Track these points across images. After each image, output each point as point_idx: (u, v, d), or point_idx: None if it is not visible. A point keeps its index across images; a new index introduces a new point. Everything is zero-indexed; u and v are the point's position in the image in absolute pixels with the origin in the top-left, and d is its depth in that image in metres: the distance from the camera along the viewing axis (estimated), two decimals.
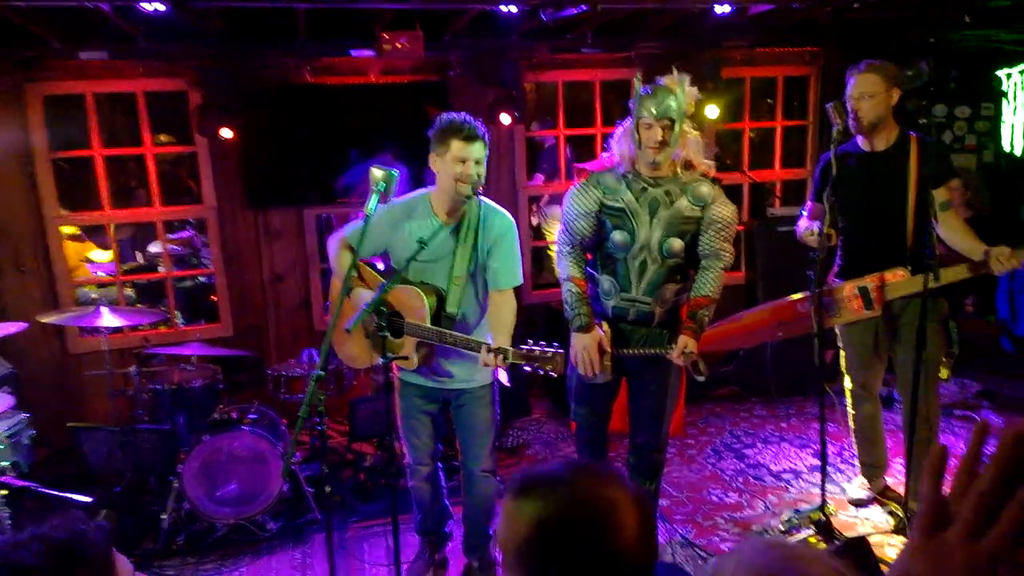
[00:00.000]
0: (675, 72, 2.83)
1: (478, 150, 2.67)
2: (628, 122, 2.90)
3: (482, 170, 2.71)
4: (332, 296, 3.04)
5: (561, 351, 2.40)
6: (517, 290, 2.90)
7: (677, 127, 2.79)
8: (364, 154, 4.62)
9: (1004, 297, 4.47)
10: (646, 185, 2.89)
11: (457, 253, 2.77)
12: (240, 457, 3.59)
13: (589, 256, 3.11)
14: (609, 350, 2.93)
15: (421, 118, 5.09)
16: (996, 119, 5.29)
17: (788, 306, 3.44)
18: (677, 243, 2.89)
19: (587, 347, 2.89)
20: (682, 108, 2.79)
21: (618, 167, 2.93)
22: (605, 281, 3.01)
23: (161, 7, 3.65)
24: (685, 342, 2.87)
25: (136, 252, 6.32)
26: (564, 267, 3.03)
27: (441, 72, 4.87)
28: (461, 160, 2.66)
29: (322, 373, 2.29)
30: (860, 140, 3.28)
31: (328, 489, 2.42)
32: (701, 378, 3.06)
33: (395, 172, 2.48)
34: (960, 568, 0.56)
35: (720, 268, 2.93)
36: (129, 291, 5.76)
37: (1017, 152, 5.18)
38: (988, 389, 4.84)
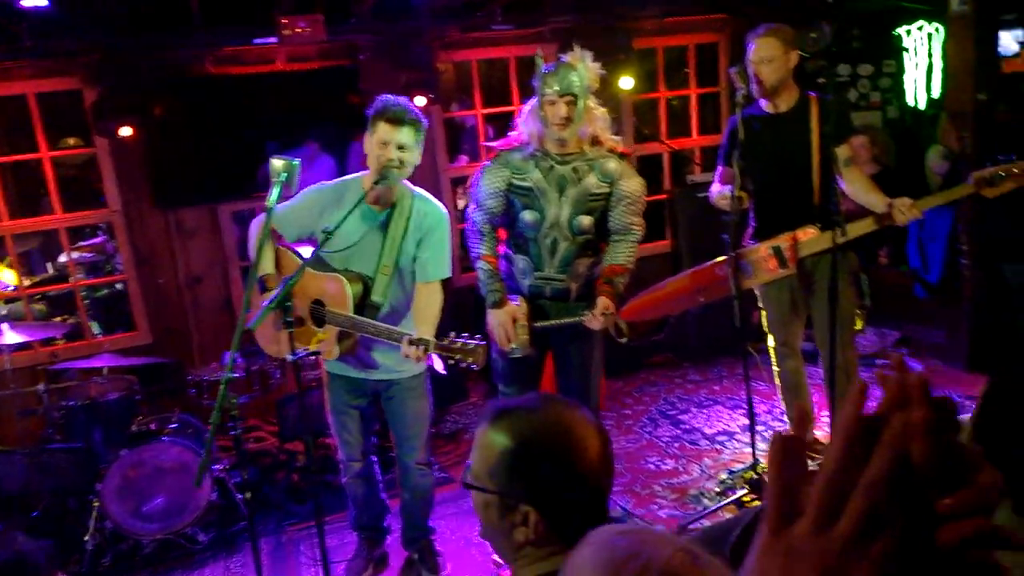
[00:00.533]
0: (576, 48, 2.84)
1: (403, 135, 2.57)
2: (534, 101, 2.90)
3: (407, 156, 2.60)
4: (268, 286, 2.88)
5: (484, 343, 2.37)
6: (447, 295, 2.86)
7: (581, 103, 2.80)
8: (284, 145, 4.47)
9: (914, 247, 4.62)
10: (553, 163, 2.90)
11: (386, 242, 2.69)
12: (163, 469, 3.46)
13: (503, 235, 3.11)
14: (525, 323, 2.96)
15: (337, 106, 5.01)
16: (898, 76, 5.45)
17: (706, 271, 3.48)
18: (587, 220, 2.92)
19: (501, 322, 2.94)
20: (584, 84, 2.81)
21: (527, 146, 2.93)
22: (520, 260, 3.03)
23: (42, 1, 3.44)
24: (604, 303, 2.90)
25: (47, 263, 6.02)
26: (475, 246, 3.03)
27: (351, 57, 4.74)
28: (383, 143, 2.58)
29: (232, 375, 2.19)
30: (763, 103, 3.32)
31: (248, 495, 2.33)
32: (624, 340, 3.14)
33: (296, 162, 2.38)
34: (809, 567, 0.48)
35: (632, 241, 2.98)
36: (39, 305, 5.48)
37: (921, 106, 5.35)
38: (906, 336, 5.03)
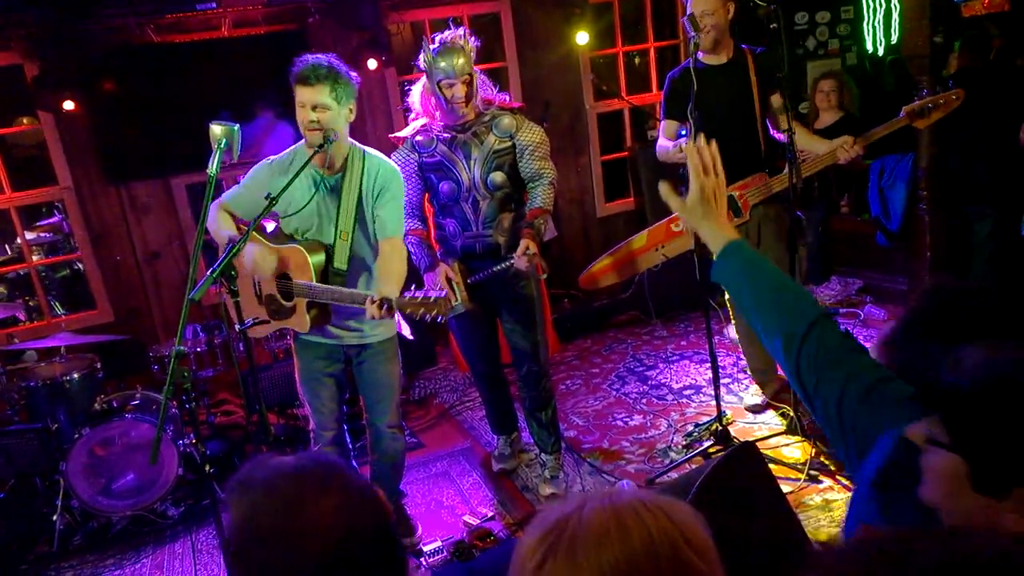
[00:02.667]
0: (452, 27, 3.03)
1: (316, 94, 2.49)
2: (424, 81, 3.08)
3: (324, 116, 2.51)
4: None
5: (443, 295, 2.34)
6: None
7: (475, 79, 3.00)
8: (237, 115, 4.34)
9: (875, 194, 4.65)
10: (454, 133, 3.09)
11: (342, 206, 2.66)
12: (132, 446, 3.44)
13: (429, 209, 3.34)
14: (460, 280, 3.12)
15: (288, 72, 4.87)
16: (856, 22, 5.42)
17: (662, 228, 3.51)
18: (499, 176, 3.13)
19: (435, 283, 3.11)
20: (471, 60, 2.98)
21: (428, 126, 3.12)
22: (448, 224, 3.23)
23: None
24: (525, 244, 3.04)
25: (5, 245, 5.89)
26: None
27: (300, 20, 4.62)
28: (300, 105, 2.52)
29: (181, 349, 2.15)
30: (701, 55, 3.38)
31: (209, 468, 2.31)
32: (543, 276, 3.26)
33: (235, 127, 2.32)
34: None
35: (546, 184, 3.16)
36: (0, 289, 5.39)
37: (880, 53, 5.34)
38: (868, 284, 5.09)
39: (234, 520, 1.04)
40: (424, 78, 3.06)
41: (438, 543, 3.09)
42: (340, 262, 2.67)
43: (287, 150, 2.77)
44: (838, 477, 3.16)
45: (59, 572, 3.26)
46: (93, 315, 4.64)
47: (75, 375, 3.59)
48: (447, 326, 3.43)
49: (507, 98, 3.20)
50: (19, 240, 5.57)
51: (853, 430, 1.26)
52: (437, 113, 3.09)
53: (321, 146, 2.49)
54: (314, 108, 2.49)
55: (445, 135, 3.09)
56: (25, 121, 5.31)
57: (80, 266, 5.28)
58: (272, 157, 2.77)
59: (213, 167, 2.28)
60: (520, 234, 3.10)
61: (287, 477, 1.06)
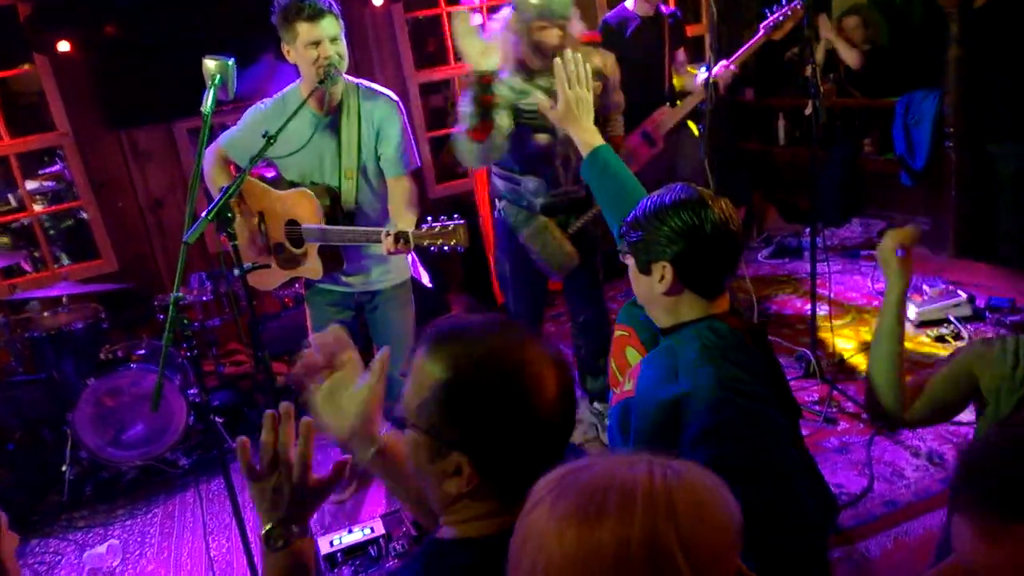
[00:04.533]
0: None
1: (328, 26, 2.38)
2: (508, 16, 2.63)
3: (341, 48, 2.43)
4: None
5: (462, 222, 2.22)
6: (420, 183, 2.74)
7: (573, 22, 2.62)
8: (241, 58, 4.18)
9: (900, 132, 4.46)
10: (548, 76, 2.57)
11: (343, 145, 2.55)
12: (141, 397, 3.39)
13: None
14: (562, 235, 2.91)
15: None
16: None
17: None
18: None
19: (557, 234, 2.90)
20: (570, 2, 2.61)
21: (506, 72, 2.67)
22: (529, 182, 2.87)
23: None
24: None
25: (8, 195, 5.80)
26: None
27: None
28: (314, 43, 2.38)
29: (180, 295, 2.05)
30: (634, 5, 3.88)
31: (212, 417, 2.25)
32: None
33: (230, 62, 2.18)
34: None
35: (621, 111, 2.98)
36: (3, 239, 5.32)
37: None
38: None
39: (448, 364, 0.96)
40: (508, 10, 2.63)
41: None
42: (347, 202, 2.58)
43: (275, 96, 2.65)
44: (857, 420, 3.09)
45: (71, 522, 3.25)
46: (97, 264, 4.56)
47: (79, 325, 3.53)
48: (501, 278, 3.22)
49: (582, 28, 2.77)
50: (32, 188, 5.50)
51: None
52: (513, 57, 2.63)
53: (322, 82, 2.36)
54: (332, 41, 2.38)
55: (540, 80, 2.64)
56: (27, 67, 5.15)
57: (84, 215, 5.19)
58: (264, 100, 2.66)
59: (207, 105, 2.15)
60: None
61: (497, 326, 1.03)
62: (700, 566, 0.66)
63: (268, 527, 1.07)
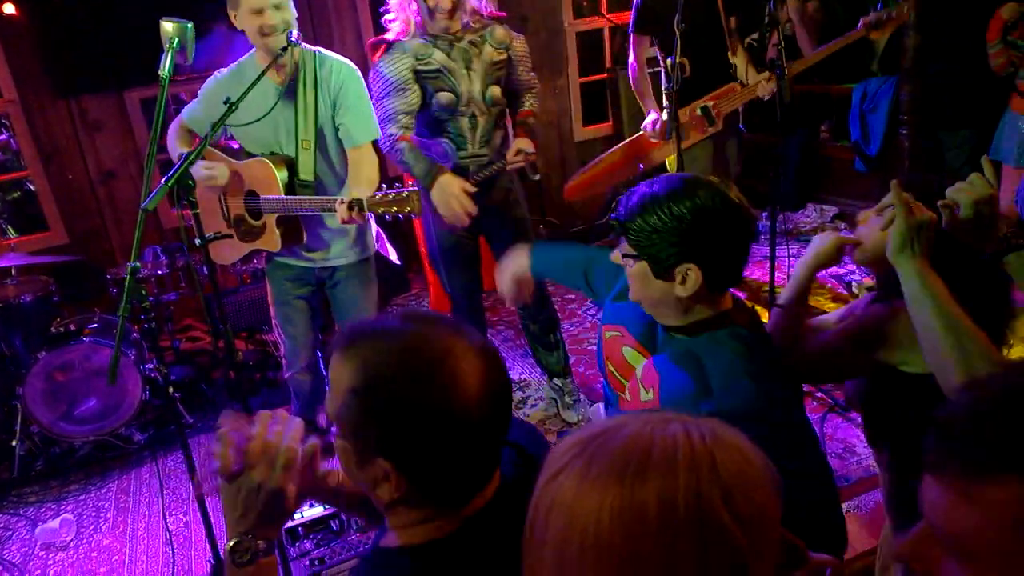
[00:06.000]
0: None
1: None
2: None
3: (287, 15, 2.39)
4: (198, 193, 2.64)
5: (416, 188, 2.21)
6: (381, 158, 2.70)
7: None
8: (197, 26, 4.07)
9: (856, 119, 4.56)
10: (451, 40, 2.79)
11: (299, 114, 2.50)
12: (94, 371, 3.32)
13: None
14: (470, 189, 2.83)
15: None
16: None
17: (638, 140, 3.54)
18: (496, 90, 2.90)
19: (455, 193, 2.73)
20: None
21: (409, 36, 2.76)
22: (441, 143, 2.91)
23: None
24: (520, 143, 2.91)
25: None
26: (385, 129, 2.79)
27: None
28: (257, 11, 2.35)
29: (136, 265, 2.01)
30: None
31: (171, 391, 2.21)
32: (536, 177, 3.26)
33: (188, 25, 2.12)
34: None
35: (534, 92, 3.05)
36: None
37: None
38: (844, 211, 5.06)
39: (358, 366, 0.91)
40: None
41: None
42: (305, 173, 2.53)
43: (231, 66, 2.60)
44: (811, 399, 3.17)
45: (21, 497, 3.18)
46: (46, 237, 4.43)
47: (29, 298, 3.43)
48: (432, 257, 3.20)
49: (489, 7, 2.93)
50: None
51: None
52: (413, 21, 2.75)
53: (284, 48, 2.32)
54: (276, 8, 2.33)
55: (441, 42, 2.77)
56: None
57: (31, 187, 5.02)
58: (220, 71, 2.62)
59: (165, 68, 2.09)
60: (515, 132, 2.96)
61: (419, 323, 0.96)
62: (746, 524, 0.64)
63: (235, 540, 1.02)
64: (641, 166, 3.56)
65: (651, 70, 3.53)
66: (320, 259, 2.72)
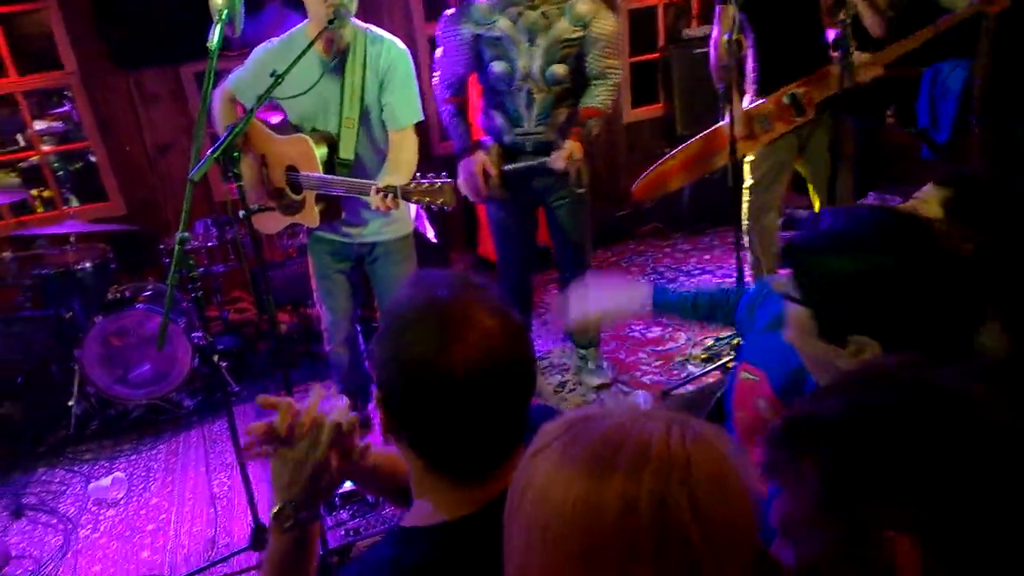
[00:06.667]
0: None
1: None
2: None
3: None
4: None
5: (449, 181, 2.22)
6: (424, 140, 2.72)
7: None
8: (249, 4, 4.13)
9: (925, 104, 4.38)
10: (522, 8, 2.69)
11: (345, 92, 2.51)
12: (142, 337, 3.43)
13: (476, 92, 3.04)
14: (494, 171, 2.86)
15: None
16: None
17: (718, 131, 3.30)
18: (561, 69, 2.77)
19: (471, 172, 2.82)
20: None
21: None
22: (497, 117, 2.90)
23: None
24: (572, 146, 2.79)
25: (18, 135, 5.78)
26: (440, 92, 2.92)
27: None
28: None
29: (186, 235, 2.07)
30: None
31: (216, 359, 2.26)
32: (581, 190, 3.04)
33: None
34: None
35: (611, 84, 2.84)
36: (13, 178, 5.31)
37: None
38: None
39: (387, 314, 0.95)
40: None
41: None
42: (346, 152, 2.54)
43: (282, 36, 2.61)
44: None
45: (76, 454, 3.32)
46: (106, 207, 4.56)
47: (87, 264, 3.53)
48: (489, 226, 3.25)
49: None
50: (41, 128, 5.49)
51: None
52: None
53: (331, 22, 2.32)
54: None
55: (511, 8, 2.68)
56: (35, 3, 5.08)
57: (92, 158, 5.17)
58: (270, 41, 2.62)
59: (214, 40, 2.12)
60: (568, 133, 2.85)
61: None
62: (713, 539, 0.60)
63: (279, 506, 1.05)
64: (720, 162, 3.31)
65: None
66: (358, 235, 2.74)
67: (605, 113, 2.88)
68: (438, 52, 2.87)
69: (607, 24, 2.76)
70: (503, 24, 2.69)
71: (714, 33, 3.22)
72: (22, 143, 5.63)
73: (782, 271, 1.22)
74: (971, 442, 0.62)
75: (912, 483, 0.62)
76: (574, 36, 2.72)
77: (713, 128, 3.33)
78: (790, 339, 1.15)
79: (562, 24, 2.70)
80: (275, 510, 1.05)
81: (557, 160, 2.81)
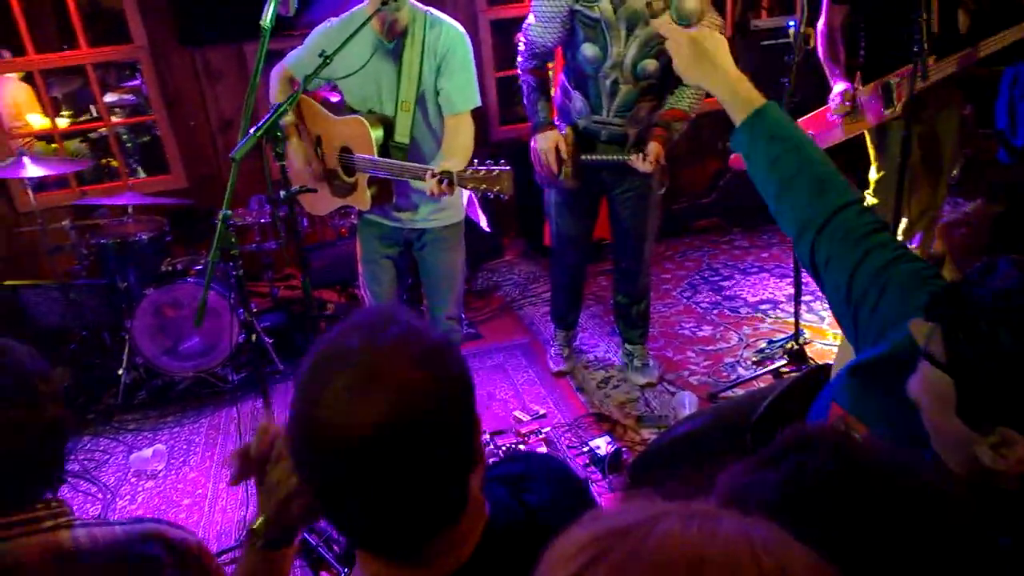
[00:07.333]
0: None
1: None
2: None
3: None
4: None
5: (508, 168, 2.15)
6: (482, 125, 2.67)
7: None
8: None
9: (1004, 105, 4.12)
10: None
11: (402, 75, 2.47)
12: (192, 309, 3.47)
13: (560, 65, 2.96)
14: (567, 156, 2.80)
15: None
16: None
17: (820, 115, 3.19)
18: (652, 64, 2.66)
19: (544, 149, 2.79)
20: None
21: None
22: (577, 99, 2.83)
23: None
24: (656, 149, 2.72)
25: (91, 105, 5.96)
26: (523, 60, 2.86)
27: None
28: None
29: (228, 212, 2.06)
30: None
31: (254, 338, 2.27)
32: (661, 191, 3.00)
33: None
34: None
35: (703, 92, 2.71)
36: (82, 147, 5.48)
37: None
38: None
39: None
40: None
41: (485, 435, 3.04)
42: (401, 135, 2.50)
43: (342, 16, 2.58)
44: None
45: (122, 424, 3.39)
46: (167, 179, 4.65)
47: (144, 236, 3.60)
48: (544, 207, 3.22)
49: None
50: (111, 100, 5.66)
51: (860, 306, 1.15)
52: None
53: (385, 3, 2.28)
54: None
55: None
56: None
57: (158, 132, 5.29)
58: (330, 20, 2.60)
59: (267, 18, 2.11)
60: (651, 133, 2.77)
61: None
62: None
63: (258, 521, 1.02)
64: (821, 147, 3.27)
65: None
66: (408, 220, 2.71)
67: (690, 117, 2.80)
68: (529, 18, 2.78)
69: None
70: (604, 6, 2.58)
71: (820, 24, 3.12)
72: (94, 113, 5.82)
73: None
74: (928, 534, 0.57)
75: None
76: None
77: (817, 111, 3.20)
78: (917, 396, 0.94)
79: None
80: (252, 526, 1.03)
81: (642, 162, 2.74)
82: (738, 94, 1.31)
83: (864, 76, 3.10)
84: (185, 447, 3.20)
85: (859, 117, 3.09)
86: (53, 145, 5.03)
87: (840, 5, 3.07)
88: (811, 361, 3.31)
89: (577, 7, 2.63)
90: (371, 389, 0.72)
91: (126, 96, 6.04)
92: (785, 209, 1.29)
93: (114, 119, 5.36)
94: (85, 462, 3.11)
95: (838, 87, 3.08)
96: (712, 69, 1.34)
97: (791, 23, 3.42)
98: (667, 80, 2.76)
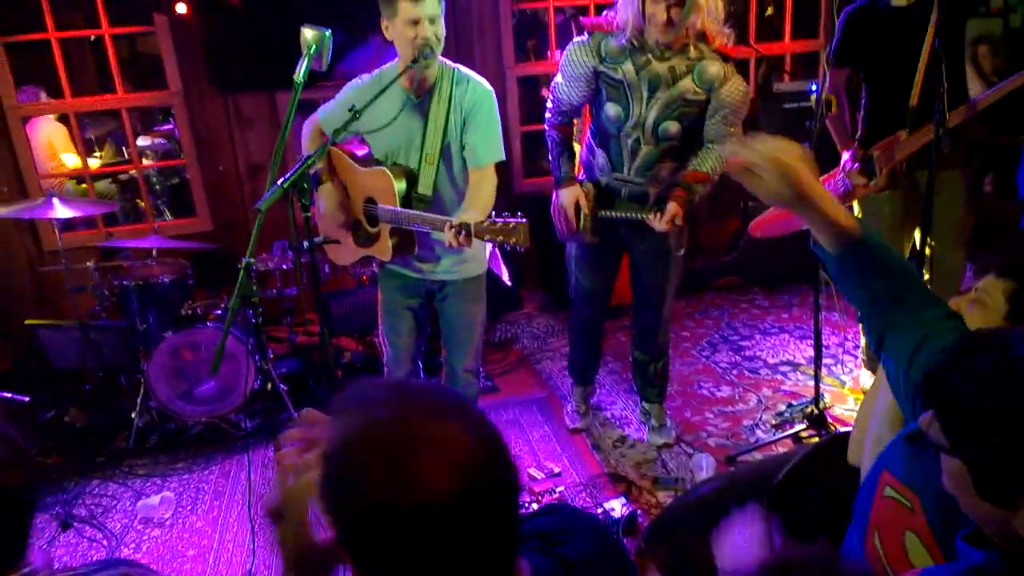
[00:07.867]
0: None
1: (430, 6, 2.35)
2: None
3: (439, 29, 2.40)
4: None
5: (524, 221, 2.16)
6: (506, 177, 2.69)
7: (689, 3, 2.48)
8: (348, 36, 4.25)
9: None
10: (651, 57, 2.64)
11: (428, 128, 2.51)
12: (209, 353, 3.47)
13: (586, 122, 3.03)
14: (587, 211, 2.84)
15: None
16: None
17: (825, 181, 3.21)
18: (674, 127, 2.70)
19: (564, 204, 2.85)
20: None
21: (620, 33, 2.66)
22: (599, 156, 2.88)
23: None
24: (674, 210, 2.74)
25: (124, 148, 6.11)
26: (551, 116, 2.93)
27: None
28: (413, 22, 2.35)
29: (250, 260, 2.07)
30: None
31: (270, 387, 2.25)
32: (680, 252, 3.00)
33: (327, 33, 2.18)
34: None
35: (719, 159, 2.74)
36: (111, 188, 5.61)
37: None
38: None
39: (335, 438, 0.80)
40: None
41: None
42: (425, 187, 2.53)
43: (373, 72, 2.63)
44: None
45: (132, 468, 3.36)
46: (193, 222, 4.72)
47: (166, 279, 3.62)
48: (565, 260, 3.24)
49: (728, 37, 2.65)
50: (144, 144, 5.80)
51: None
52: (632, 21, 2.57)
53: (415, 61, 2.32)
54: (431, 21, 2.35)
55: (639, 55, 2.63)
56: (148, 27, 5.39)
57: (188, 175, 5.40)
58: (362, 76, 2.65)
59: (300, 73, 2.16)
60: (672, 193, 2.78)
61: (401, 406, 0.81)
62: None
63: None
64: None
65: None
66: (430, 272, 2.71)
67: (712, 180, 2.79)
68: (558, 77, 2.85)
69: (736, 92, 2.67)
70: (627, 68, 2.65)
71: (826, 87, 3.16)
72: (125, 156, 5.95)
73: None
74: None
75: None
76: (696, 98, 2.66)
77: (830, 173, 3.21)
78: (948, 488, 0.93)
79: (687, 83, 2.63)
80: None
81: (658, 221, 2.76)
82: (837, 222, 1.24)
83: (864, 141, 3.11)
84: (194, 495, 3.16)
85: (854, 191, 3.12)
86: (83, 185, 5.14)
87: (843, 69, 3.10)
88: (832, 426, 3.25)
89: (602, 68, 2.70)
90: (423, 455, 0.74)
91: (158, 140, 6.19)
92: (873, 325, 1.29)
93: (145, 161, 5.47)
94: (92, 507, 3.08)
95: (845, 156, 3.12)
96: (809, 193, 1.23)
97: (813, 87, 3.46)
98: (690, 142, 2.79)
